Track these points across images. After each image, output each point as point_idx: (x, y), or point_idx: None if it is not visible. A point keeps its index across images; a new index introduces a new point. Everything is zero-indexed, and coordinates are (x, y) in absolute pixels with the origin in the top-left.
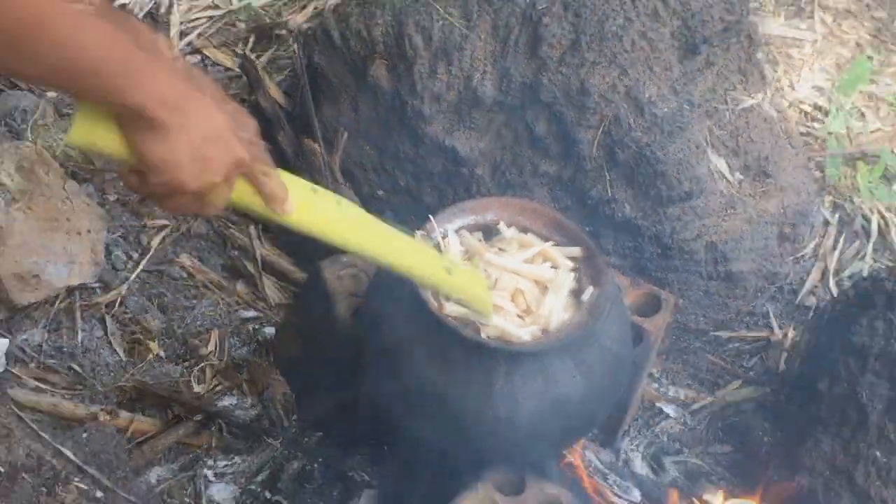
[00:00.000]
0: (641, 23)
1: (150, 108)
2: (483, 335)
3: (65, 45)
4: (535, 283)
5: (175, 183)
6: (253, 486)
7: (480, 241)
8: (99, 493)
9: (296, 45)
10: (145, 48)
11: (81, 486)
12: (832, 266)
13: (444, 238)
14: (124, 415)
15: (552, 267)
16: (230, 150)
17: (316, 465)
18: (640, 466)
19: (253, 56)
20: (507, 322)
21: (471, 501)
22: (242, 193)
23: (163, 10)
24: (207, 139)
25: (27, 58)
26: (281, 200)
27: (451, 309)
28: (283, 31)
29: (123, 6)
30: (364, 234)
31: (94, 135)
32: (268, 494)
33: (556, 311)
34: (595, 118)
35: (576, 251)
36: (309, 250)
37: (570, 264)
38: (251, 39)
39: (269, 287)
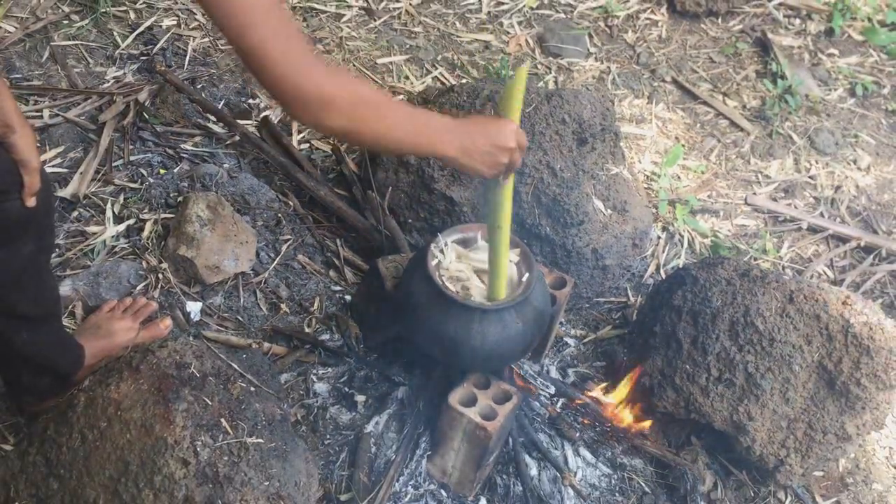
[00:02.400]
0: (555, 126)
1: (447, 151)
2: (467, 299)
3: (402, 130)
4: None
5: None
6: (338, 385)
7: (466, 248)
8: (252, 388)
9: None
10: (427, 115)
11: (242, 384)
12: (661, 261)
13: (445, 246)
14: (266, 345)
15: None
16: (501, 148)
17: (373, 373)
18: (555, 374)
19: (339, 144)
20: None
21: (459, 392)
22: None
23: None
24: (483, 146)
25: (384, 144)
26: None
27: (449, 283)
28: None
29: None
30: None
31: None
32: (346, 389)
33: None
34: (529, 179)
35: (517, 250)
36: (370, 253)
37: (516, 259)
38: None
39: (348, 273)
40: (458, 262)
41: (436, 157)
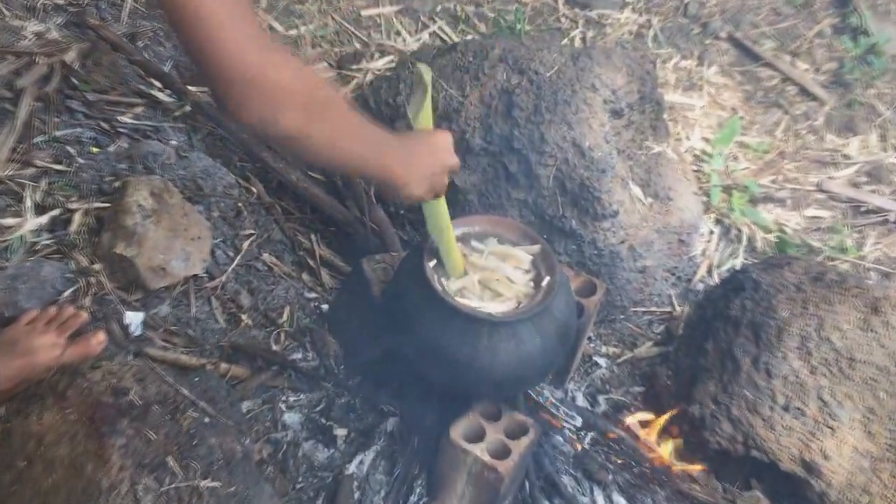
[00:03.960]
0: (583, 93)
1: (395, 173)
2: (472, 308)
3: (343, 148)
4: (506, 278)
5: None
6: (313, 415)
7: (472, 245)
8: (206, 419)
9: None
10: (371, 132)
11: (194, 414)
12: (715, 262)
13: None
14: (224, 365)
15: (516, 268)
16: (440, 164)
17: (357, 400)
18: (582, 401)
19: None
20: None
21: (463, 425)
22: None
23: None
24: (429, 169)
25: (328, 154)
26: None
27: (451, 289)
28: None
29: None
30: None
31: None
32: (323, 420)
33: (517, 295)
34: (551, 160)
35: (536, 248)
36: (352, 251)
37: (528, 265)
38: None
39: (325, 276)
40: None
41: (379, 179)
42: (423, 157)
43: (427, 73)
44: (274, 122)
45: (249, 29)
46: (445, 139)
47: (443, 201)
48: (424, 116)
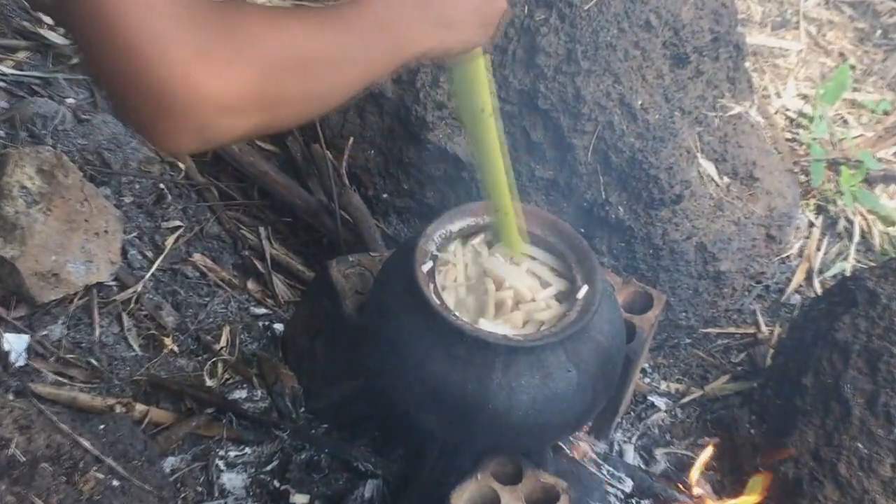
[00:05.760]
0: (634, 33)
1: (430, 46)
2: (481, 329)
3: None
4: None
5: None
6: (263, 476)
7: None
8: (116, 482)
9: None
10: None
11: (99, 475)
12: (816, 266)
13: (445, 239)
14: (140, 407)
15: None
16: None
17: (322, 456)
18: (632, 457)
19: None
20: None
21: (470, 490)
22: None
23: None
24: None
25: (329, 103)
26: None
27: (451, 303)
28: None
29: None
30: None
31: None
32: (277, 483)
33: (541, 313)
34: (590, 124)
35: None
36: (316, 250)
37: (553, 285)
38: None
39: (279, 285)
40: (466, 266)
41: (412, 63)
42: None
43: None
44: (229, 136)
45: (175, 7)
46: None
47: (482, 65)
48: None
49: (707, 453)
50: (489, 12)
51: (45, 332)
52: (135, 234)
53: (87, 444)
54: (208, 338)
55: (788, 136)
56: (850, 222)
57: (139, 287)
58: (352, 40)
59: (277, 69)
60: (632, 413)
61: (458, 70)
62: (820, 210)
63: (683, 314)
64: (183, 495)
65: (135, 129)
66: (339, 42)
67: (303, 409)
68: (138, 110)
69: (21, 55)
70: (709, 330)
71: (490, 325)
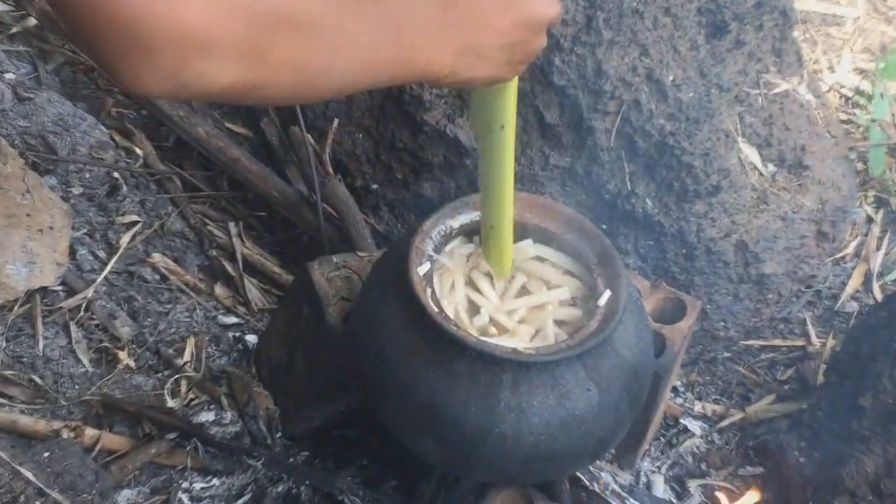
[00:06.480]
0: (663, 1)
1: (446, 65)
2: (486, 342)
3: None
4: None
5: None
6: None
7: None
8: None
9: None
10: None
11: None
12: (875, 268)
13: (444, 238)
14: (91, 431)
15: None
16: (534, 23)
17: (302, 488)
18: (662, 490)
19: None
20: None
21: None
22: None
23: None
24: (514, 28)
25: (321, 87)
26: None
27: (452, 311)
28: None
29: None
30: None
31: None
32: None
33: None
34: (613, 104)
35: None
36: (295, 250)
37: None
38: None
39: (252, 290)
40: (467, 269)
41: (420, 81)
42: (489, 12)
43: None
44: (205, 85)
45: None
46: None
47: (512, 91)
48: None
49: (752, 500)
50: (522, 51)
51: None
52: (85, 230)
53: (28, 474)
54: (170, 351)
55: (843, 116)
56: None
57: (90, 292)
58: (361, 24)
59: (269, 21)
60: (661, 439)
61: (483, 90)
62: (880, 203)
63: (721, 324)
64: None
65: (98, 63)
66: (344, 15)
67: (279, 434)
68: (106, 40)
69: None
70: (751, 342)
71: (496, 338)
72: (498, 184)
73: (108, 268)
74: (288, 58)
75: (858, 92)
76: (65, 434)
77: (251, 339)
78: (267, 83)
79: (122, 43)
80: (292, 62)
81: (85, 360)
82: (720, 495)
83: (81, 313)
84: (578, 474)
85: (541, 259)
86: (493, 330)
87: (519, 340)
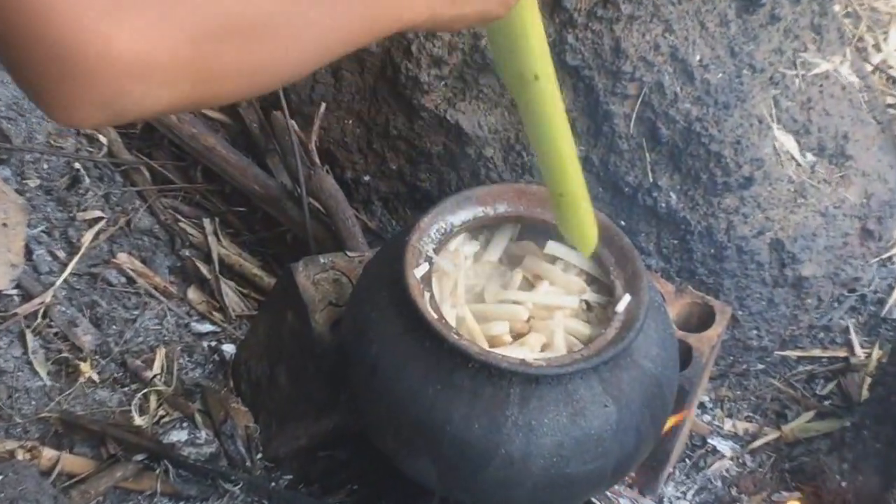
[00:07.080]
0: None
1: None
2: (490, 353)
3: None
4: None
5: None
6: None
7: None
8: None
9: None
10: None
11: None
12: None
13: (445, 237)
14: (49, 453)
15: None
16: None
17: None
18: None
19: None
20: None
21: None
22: None
23: None
24: None
25: (287, 73)
26: None
27: (454, 319)
28: None
29: None
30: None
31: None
32: None
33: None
34: (633, 86)
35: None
36: (278, 250)
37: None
38: None
39: (229, 294)
40: (472, 272)
41: (399, 32)
42: None
43: None
44: (149, 108)
45: None
46: None
47: (534, 34)
48: None
49: None
50: None
51: None
52: (42, 227)
53: None
54: (137, 363)
55: (891, 100)
56: None
57: (48, 297)
58: (321, 6)
59: (219, 32)
60: (687, 461)
61: (497, 29)
62: None
63: (754, 332)
64: None
65: (22, 88)
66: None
67: (260, 456)
68: (32, 69)
69: None
70: (787, 353)
71: (502, 348)
72: (550, 143)
73: (69, 269)
74: (241, 64)
75: None
76: (20, 455)
77: (228, 349)
78: (221, 93)
79: (51, 72)
80: (247, 66)
81: (42, 373)
82: None
83: (38, 320)
84: (594, 500)
85: (552, 258)
86: (507, 338)
87: (528, 351)
